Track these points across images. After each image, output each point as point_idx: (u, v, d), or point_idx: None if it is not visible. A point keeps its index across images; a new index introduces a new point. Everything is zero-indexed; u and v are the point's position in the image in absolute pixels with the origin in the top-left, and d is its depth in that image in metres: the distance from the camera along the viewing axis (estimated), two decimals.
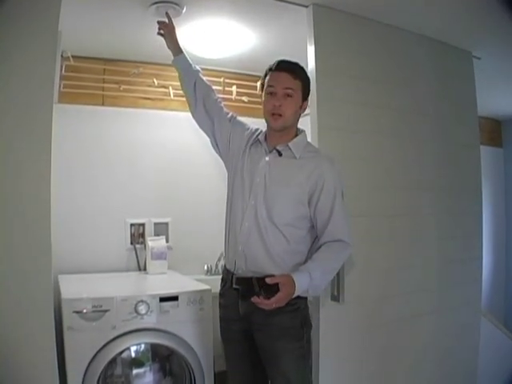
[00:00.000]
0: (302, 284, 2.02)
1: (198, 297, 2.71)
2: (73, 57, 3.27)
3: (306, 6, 2.82)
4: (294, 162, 2.19)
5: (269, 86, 2.19)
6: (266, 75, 2.25)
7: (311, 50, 2.74)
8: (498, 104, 5.13)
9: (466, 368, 3.35)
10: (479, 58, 3.58)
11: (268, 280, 2.00)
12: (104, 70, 3.57)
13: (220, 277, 3.72)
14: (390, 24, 3.05)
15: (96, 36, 3.22)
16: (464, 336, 3.35)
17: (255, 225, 2.15)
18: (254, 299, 2.00)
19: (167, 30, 2.54)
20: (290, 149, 2.20)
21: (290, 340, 2.13)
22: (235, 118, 2.48)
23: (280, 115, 2.15)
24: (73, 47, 3.22)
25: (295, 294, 2.02)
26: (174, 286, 3.04)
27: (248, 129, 2.40)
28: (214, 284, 3.23)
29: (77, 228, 3.41)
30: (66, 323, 2.43)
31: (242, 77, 3.99)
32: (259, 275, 2.09)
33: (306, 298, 2.20)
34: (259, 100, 3.87)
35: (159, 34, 2.57)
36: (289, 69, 2.17)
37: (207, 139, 3.89)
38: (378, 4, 2.81)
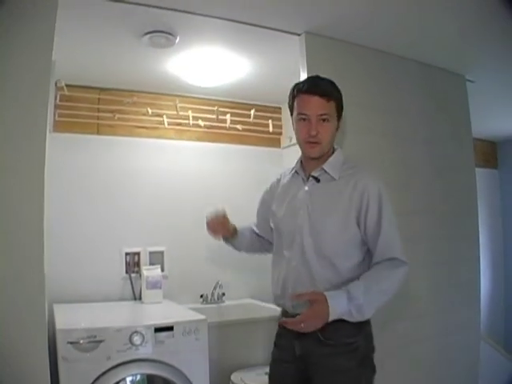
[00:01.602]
0: (338, 304, 1.80)
1: (194, 327, 2.67)
2: (67, 86, 3.28)
3: (299, 35, 2.85)
4: (333, 184, 2.01)
5: (300, 113, 1.99)
6: (293, 96, 2.04)
7: (304, 78, 2.76)
8: (493, 125, 5.18)
9: None
10: (473, 82, 3.61)
11: (294, 296, 1.89)
12: (98, 99, 3.58)
13: (216, 305, 3.73)
14: (383, 50, 3.08)
15: (90, 65, 3.25)
16: (464, 360, 3.32)
17: (303, 262, 1.98)
18: (282, 321, 1.93)
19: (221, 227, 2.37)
20: (326, 172, 2.02)
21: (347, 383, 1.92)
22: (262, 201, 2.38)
23: (317, 143, 1.98)
24: (67, 76, 3.24)
25: (331, 316, 1.79)
26: (169, 315, 3.01)
27: (268, 188, 2.32)
28: (210, 313, 3.23)
29: (72, 257, 3.39)
30: (60, 354, 2.40)
31: (236, 105, 4.00)
32: None
33: (365, 334, 1.97)
34: (253, 128, 3.91)
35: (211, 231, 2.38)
36: (321, 92, 1.96)
37: (204, 168, 3.93)
38: (369, 31, 2.85)
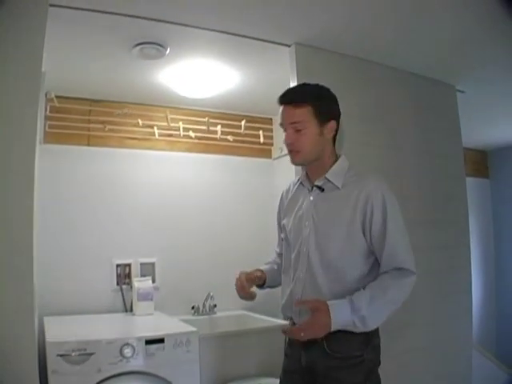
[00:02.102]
0: (341, 314, 1.77)
1: (185, 339, 2.66)
2: (58, 97, 3.28)
3: (289, 46, 2.86)
4: (338, 193, 1.95)
5: (280, 123, 2.00)
6: None
7: None
8: (484, 135, 5.21)
9: None
10: (463, 92, 3.63)
11: (297, 302, 1.89)
12: (89, 110, 3.57)
13: (208, 317, 3.71)
14: (373, 60, 3.10)
15: (80, 77, 3.24)
16: (456, 369, 3.32)
17: (309, 274, 1.94)
18: (283, 329, 1.91)
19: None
20: (329, 180, 1.97)
21: None
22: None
23: (297, 151, 1.94)
24: (57, 88, 3.24)
25: (334, 326, 1.77)
26: (160, 327, 3.00)
27: (279, 201, 2.25)
28: (201, 325, 3.21)
29: (63, 269, 3.37)
30: (50, 367, 2.38)
31: (227, 116, 4.00)
32: None
33: (373, 347, 1.90)
34: (244, 139, 3.91)
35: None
36: (287, 100, 1.95)
37: (195, 179, 3.91)
38: (360, 42, 2.86)
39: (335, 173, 1.98)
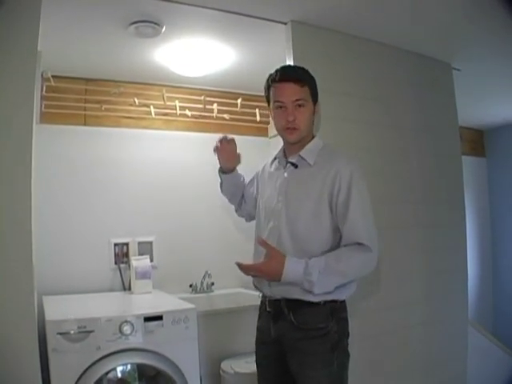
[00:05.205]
0: (293, 271, 1.85)
1: (183, 316, 2.68)
2: (54, 77, 3.25)
3: (285, 23, 2.85)
4: (309, 170, 2.04)
5: (277, 101, 2.03)
6: (268, 87, 2.09)
7: None
8: (480, 114, 5.20)
9: (455, 378, 3.35)
10: (459, 70, 3.62)
11: (260, 241, 1.97)
12: (85, 89, 3.56)
13: (205, 295, 3.73)
14: (369, 38, 3.09)
15: (76, 56, 3.23)
16: (452, 346, 3.36)
17: (279, 246, 1.99)
18: (237, 262, 1.94)
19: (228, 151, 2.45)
20: (302, 158, 2.06)
21: (318, 366, 1.94)
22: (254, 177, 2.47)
23: (295, 128, 2.02)
24: (53, 67, 3.21)
25: (284, 279, 1.85)
26: (159, 305, 3.01)
27: (260, 171, 2.38)
28: (200, 302, 3.23)
29: (61, 249, 3.38)
30: (50, 345, 2.40)
31: (223, 94, 3.99)
32: (289, 297, 1.97)
33: (338, 319, 1.98)
34: (240, 117, 3.90)
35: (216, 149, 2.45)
36: (294, 78, 2.00)
37: (192, 158, 3.90)
38: (356, 20, 2.85)
39: (309, 150, 2.08)
